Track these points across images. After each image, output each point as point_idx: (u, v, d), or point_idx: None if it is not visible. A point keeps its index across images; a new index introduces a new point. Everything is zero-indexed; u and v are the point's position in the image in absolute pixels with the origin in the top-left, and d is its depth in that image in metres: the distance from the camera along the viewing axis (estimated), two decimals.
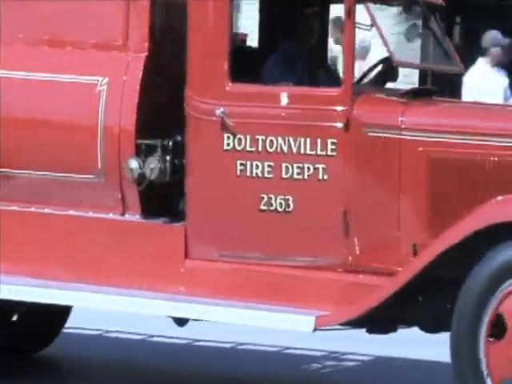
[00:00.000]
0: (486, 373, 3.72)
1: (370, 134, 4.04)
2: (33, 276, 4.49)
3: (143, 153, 4.36)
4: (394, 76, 4.57)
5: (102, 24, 4.47)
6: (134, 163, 4.31)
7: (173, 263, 4.41)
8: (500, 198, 3.80)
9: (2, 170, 4.55)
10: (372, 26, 4.16)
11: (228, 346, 6.15)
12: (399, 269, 3.98)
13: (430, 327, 4.12)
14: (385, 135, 4.06)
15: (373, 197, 4.10)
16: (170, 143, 4.37)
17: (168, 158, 4.32)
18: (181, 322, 4.66)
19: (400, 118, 4.06)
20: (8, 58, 4.48)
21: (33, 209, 4.59)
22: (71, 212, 4.55)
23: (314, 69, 4.73)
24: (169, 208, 4.50)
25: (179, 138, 4.37)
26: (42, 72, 4.51)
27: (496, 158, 3.90)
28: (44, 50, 4.54)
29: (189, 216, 4.40)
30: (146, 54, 4.37)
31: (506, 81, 8.76)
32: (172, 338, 6.05)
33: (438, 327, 4.08)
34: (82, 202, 4.54)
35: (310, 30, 4.62)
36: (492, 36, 8.75)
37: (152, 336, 6.23)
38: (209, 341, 6.11)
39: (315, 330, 3.98)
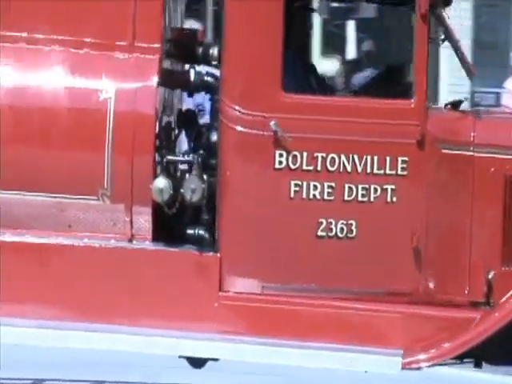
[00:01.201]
0: None
1: (443, 150, 3.67)
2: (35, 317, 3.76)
3: (166, 171, 3.72)
4: None
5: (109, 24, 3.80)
6: (162, 183, 3.62)
7: (204, 297, 3.77)
8: None
9: None
10: (445, 39, 3.76)
11: None
12: (474, 300, 3.72)
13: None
14: (458, 152, 3.72)
15: (446, 220, 3.74)
16: (199, 160, 3.74)
17: (205, 176, 3.72)
18: (198, 363, 4.00)
19: (472, 134, 3.72)
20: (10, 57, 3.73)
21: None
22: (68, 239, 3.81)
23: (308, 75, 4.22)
24: (180, 233, 3.85)
25: (206, 153, 3.79)
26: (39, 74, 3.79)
27: None
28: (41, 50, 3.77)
29: (223, 243, 3.79)
30: (158, 56, 3.71)
31: None
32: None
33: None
34: (79, 226, 3.82)
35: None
36: None
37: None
38: None
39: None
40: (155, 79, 3.65)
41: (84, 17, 3.74)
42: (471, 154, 3.70)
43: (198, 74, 3.88)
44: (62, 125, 3.66)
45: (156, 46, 3.67)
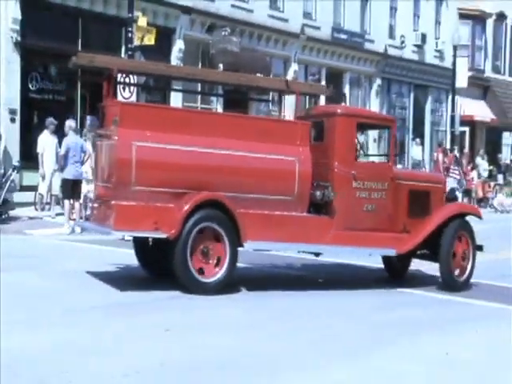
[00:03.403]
0: None
1: None
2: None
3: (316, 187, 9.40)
4: None
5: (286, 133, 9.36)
6: (319, 193, 9.39)
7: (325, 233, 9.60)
8: None
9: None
10: None
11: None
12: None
13: None
14: None
15: None
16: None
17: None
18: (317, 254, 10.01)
19: None
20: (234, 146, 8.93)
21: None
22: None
23: None
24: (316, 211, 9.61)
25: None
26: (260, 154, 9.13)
27: None
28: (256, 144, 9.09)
29: (334, 214, 9.61)
30: (307, 147, 9.31)
31: None
32: None
33: None
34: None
35: None
36: None
37: None
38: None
39: None
40: (309, 154, 9.37)
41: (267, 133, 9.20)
42: None
43: None
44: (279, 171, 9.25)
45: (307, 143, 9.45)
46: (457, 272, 9.86)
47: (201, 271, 8.52)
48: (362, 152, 10.70)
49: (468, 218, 10.29)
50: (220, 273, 8.57)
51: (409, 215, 9.81)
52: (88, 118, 15.98)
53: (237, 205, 8.57)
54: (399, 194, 9.76)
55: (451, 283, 9.81)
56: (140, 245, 9.57)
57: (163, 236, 8.29)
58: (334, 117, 9.50)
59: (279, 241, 8.98)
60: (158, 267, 9.39)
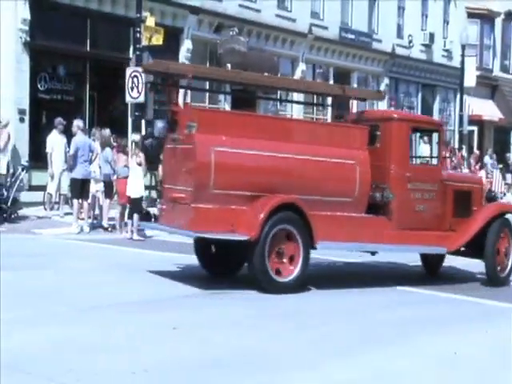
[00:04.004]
0: None
1: None
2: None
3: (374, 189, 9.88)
4: None
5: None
6: (378, 195, 9.87)
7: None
8: None
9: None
10: None
11: None
12: None
13: None
14: None
15: None
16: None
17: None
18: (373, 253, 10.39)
19: None
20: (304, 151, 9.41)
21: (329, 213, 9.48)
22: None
23: None
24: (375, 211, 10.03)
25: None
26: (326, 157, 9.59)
27: None
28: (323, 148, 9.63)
29: (391, 215, 10.05)
30: (365, 151, 9.76)
31: None
32: None
33: None
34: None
35: None
36: None
37: None
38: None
39: None
40: (367, 157, 9.83)
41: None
42: None
43: None
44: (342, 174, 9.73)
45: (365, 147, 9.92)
46: (499, 268, 10.37)
47: (277, 271, 8.82)
48: (414, 154, 11.95)
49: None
50: (294, 273, 8.89)
51: (454, 214, 10.37)
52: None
53: (308, 207, 8.95)
54: (446, 194, 10.32)
55: (495, 279, 10.32)
56: (200, 245, 9.77)
57: (243, 238, 8.54)
58: (391, 122, 10.07)
59: (345, 241, 9.45)
60: (218, 267, 9.74)
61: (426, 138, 29.69)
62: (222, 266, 9.72)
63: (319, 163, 9.32)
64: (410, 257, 11.40)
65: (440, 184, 10.22)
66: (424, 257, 11.14)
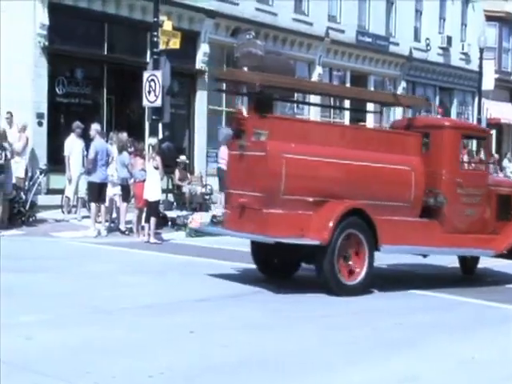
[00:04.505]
0: None
1: None
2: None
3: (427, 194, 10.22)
4: None
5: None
6: (431, 199, 10.21)
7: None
8: None
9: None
10: None
11: None
12: None
13: None
14: None
15: None
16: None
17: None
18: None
19: None
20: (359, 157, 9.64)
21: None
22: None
23: None
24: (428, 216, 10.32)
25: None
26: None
27: None
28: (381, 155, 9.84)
29: (442, 220, 10.37)
30: (419, 157, 10.08)
31: None
32: None
33: None
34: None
35: None
36: None
37: None
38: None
39: None
40: (421, 164, 10.18)
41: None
42: None
43: None
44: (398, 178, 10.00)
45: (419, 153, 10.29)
46: None
47: (344, 275, 9.16)
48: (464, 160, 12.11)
49: None
50: (361, 275, 9.24)
51: (497, 218, 10.78)
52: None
53: (372, 212, 9.33)
54: (490, 198, 10.73)
55: None
56: (258, 249, 10.00)
57: (316, 243, 8.85)
58: (443, 129, 10.46)
59: (404, 244, 9.81)
60: (274, 270, 10.06)
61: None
62: (278, 269, 10.06)
63: (380, 169, 9.68)
64: (448, 259, 11.65)
65: (486, 189, 10.62)
66: (462, 259, 11.51)
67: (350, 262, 9.24)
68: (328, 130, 10.15)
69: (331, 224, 8.92)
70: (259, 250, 10.00)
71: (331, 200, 9.13)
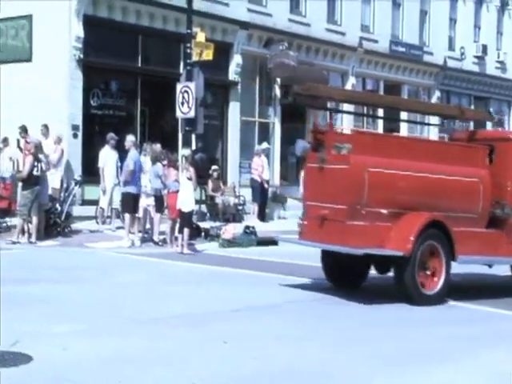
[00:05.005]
0: None
1: None
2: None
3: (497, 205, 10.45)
4: None
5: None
6: (498, 210, 10.41)
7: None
8: None
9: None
10: None
11: None
12: None
13: None
14: None
15: None
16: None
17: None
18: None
19: None
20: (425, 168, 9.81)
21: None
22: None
23: None
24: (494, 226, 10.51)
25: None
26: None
27: None
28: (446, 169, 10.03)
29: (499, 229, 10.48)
30: (486, 169, 10.32)
31: None
32: None
33: None
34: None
35: None
36: None
37: None
38: None
39: None
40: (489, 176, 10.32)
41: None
42: None
43: None
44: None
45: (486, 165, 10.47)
46: None
47: (423, 284, 9.41)
48: None
49: None
50: (439, 285, 9.49)
51: None
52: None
53: (449, 223, 9.58)
54: None
55: None
56: (328, 259, 10.19)
57: (399, 254, 9.13)
58: (509, 142, 10.70)
59: (476, 254, 10.04)
60: (343, 280, 10.28)
61: None
62: (347, 279, 10.29)
63: (452, 181, 9.93)
64: (503, 268, 11.66)
65: None
66: None
67: (429, 272, 9.46)
68: (405, 144, 10.50)
69: (414, 235, 9.20)
70: (329, 261, 10.21)
71: (409, 212, 9.40)
